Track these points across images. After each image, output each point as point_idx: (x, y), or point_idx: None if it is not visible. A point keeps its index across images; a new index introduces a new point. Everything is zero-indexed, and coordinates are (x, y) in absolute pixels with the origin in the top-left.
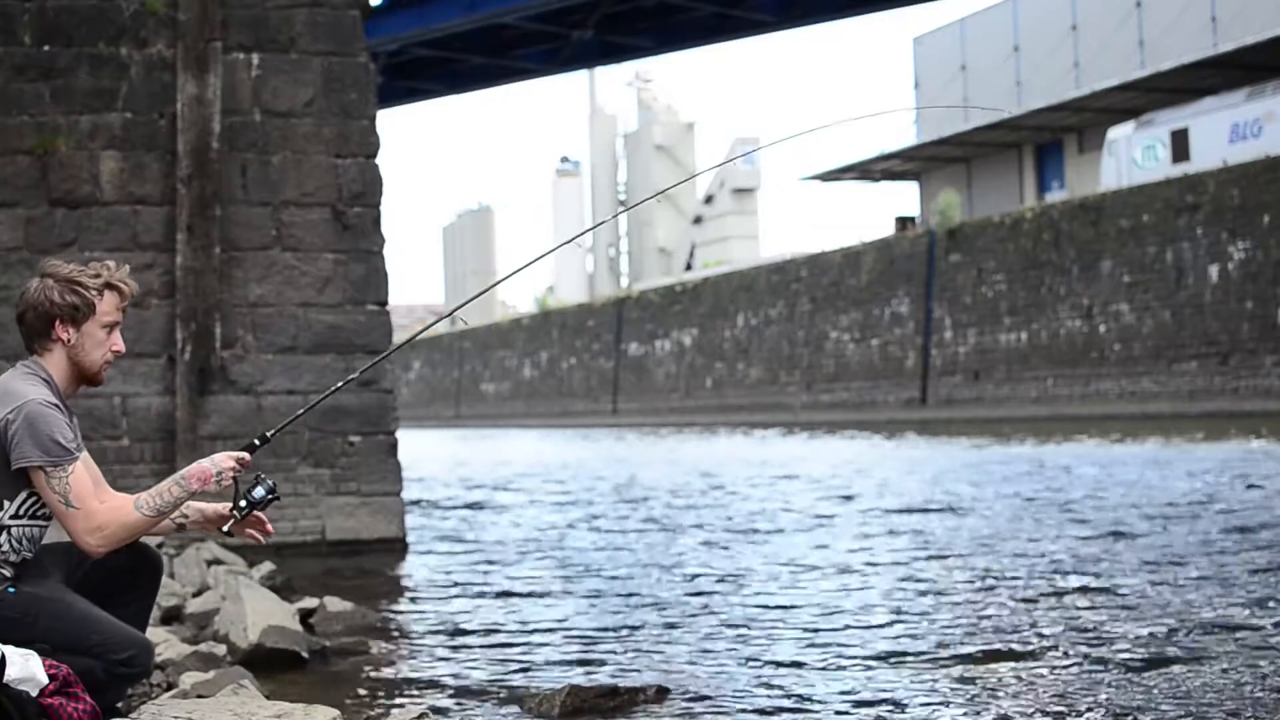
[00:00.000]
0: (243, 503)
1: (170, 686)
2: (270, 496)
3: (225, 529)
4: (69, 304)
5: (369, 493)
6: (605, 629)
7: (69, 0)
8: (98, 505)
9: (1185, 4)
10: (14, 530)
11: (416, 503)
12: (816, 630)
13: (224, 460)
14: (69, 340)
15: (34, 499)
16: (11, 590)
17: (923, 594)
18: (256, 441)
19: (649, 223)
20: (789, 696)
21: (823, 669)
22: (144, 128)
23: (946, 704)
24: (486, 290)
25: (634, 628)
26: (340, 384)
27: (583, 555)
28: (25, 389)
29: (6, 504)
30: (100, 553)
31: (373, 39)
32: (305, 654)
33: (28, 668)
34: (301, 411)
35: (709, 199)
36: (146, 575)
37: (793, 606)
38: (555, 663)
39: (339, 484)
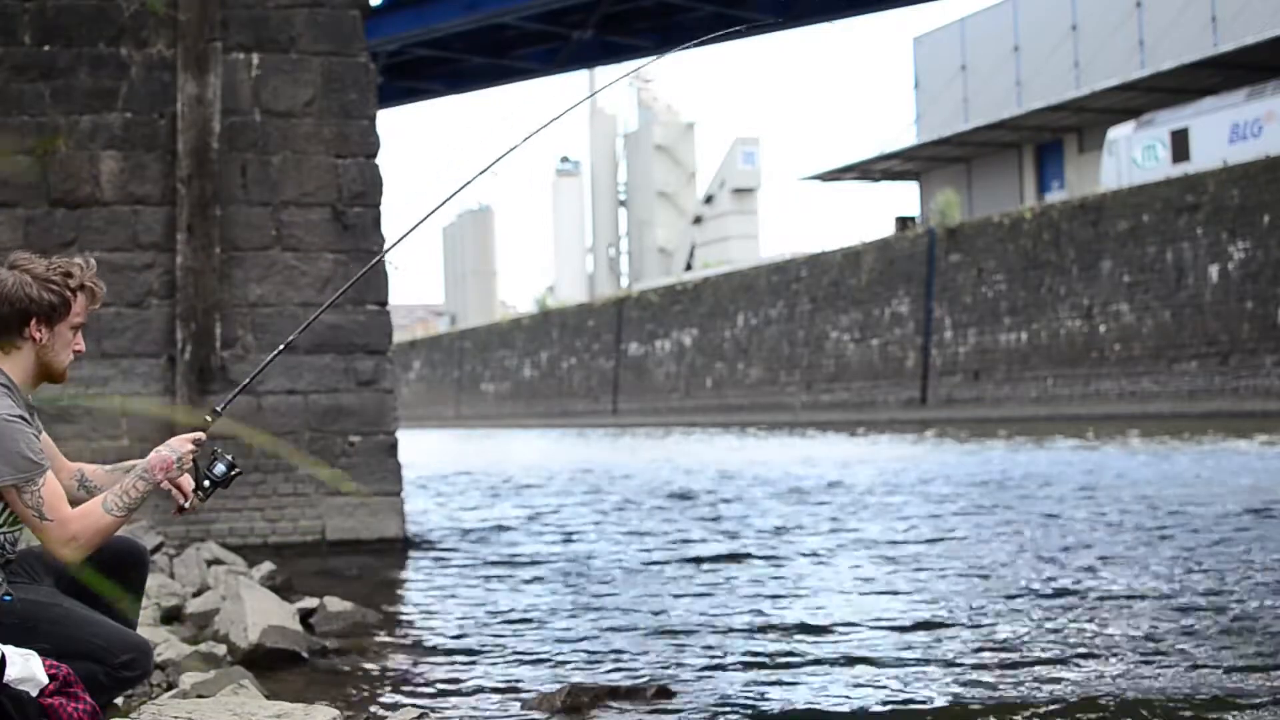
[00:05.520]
0: (205, 483)
1: (170, 686)
2: (232, 473)
3: (186, 506)
4: (48, 302)
5: (369, 493)
6: (606, 628)
7: (69, 0)
8: (70, 513)
9: (1185, 4)
10: None
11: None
12: (820, 634)
13: (181, 445)
14: (41, 340)
15: (5, 508)
16: (9, 598)
17: (937, 602)
18: (208, 418)
19: (649, 223)
20: (789, 699)
21: (824, 672)
22: (144, 128)
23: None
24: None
25: (635, 627)
26: (276, 351)
27: (584, 555)
28: None
29: None
30: (76, 561)
31: (373, 39)
32: (305, 654)
33: (28, 668)
34: (254, 374)
35: (709, 199)
36: (134, 570)
37: (797, 610)
38: (556, 661)
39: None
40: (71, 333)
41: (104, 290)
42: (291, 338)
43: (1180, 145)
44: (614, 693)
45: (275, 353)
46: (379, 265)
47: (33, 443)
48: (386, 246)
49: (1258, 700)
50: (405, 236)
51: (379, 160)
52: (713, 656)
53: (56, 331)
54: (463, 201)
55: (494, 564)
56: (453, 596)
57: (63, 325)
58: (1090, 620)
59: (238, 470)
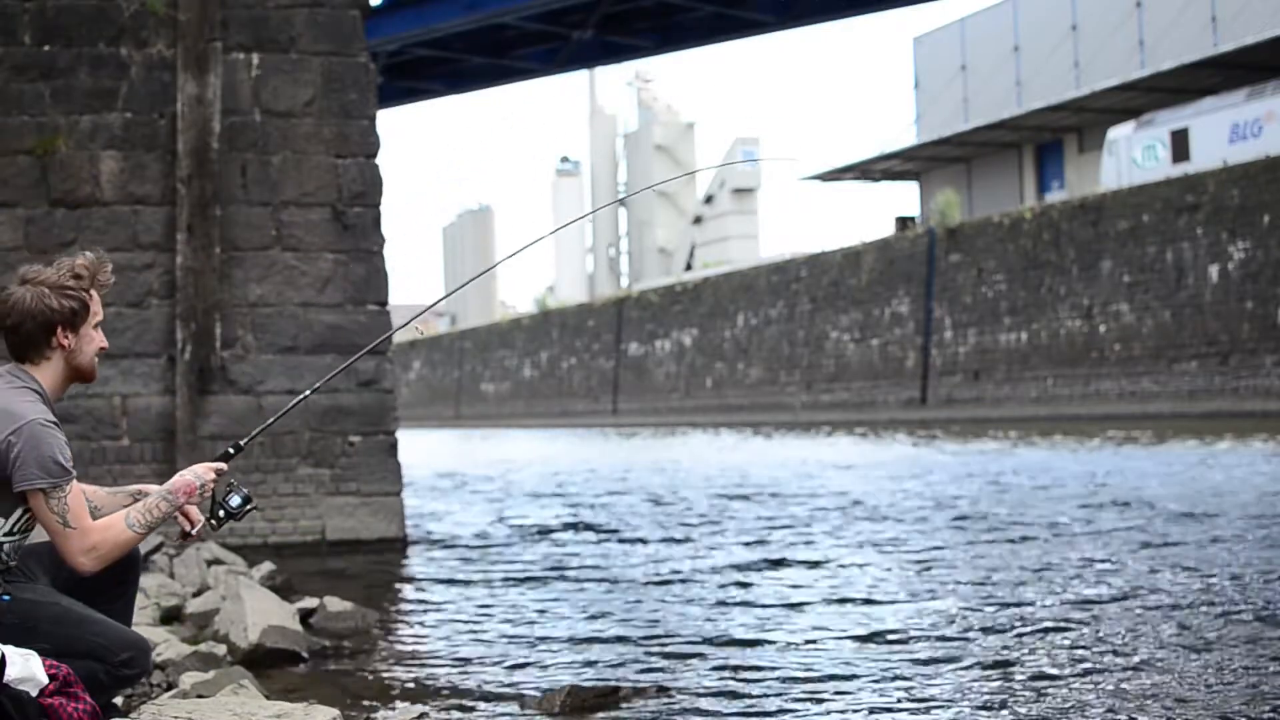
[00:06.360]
0: (220, 513)
1: (170, 686)
2: (247, 506)
3: (194, 532)
4: (68, 309)
5: (369, 493)
6: (606, 629)
7: (69, 0)
8: (91, 524)
9: (1185, 4)
10: (6, 545)
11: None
12: (821, 640)
13: (205, 472)
14: (69, 345)
15: (28, 515)
16: (7, 598)
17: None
18: (230, 450)
19: (649, 223)
20: (789, 699)
21: (825, 677)
22: (144, 128)
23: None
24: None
25: (635, 630)
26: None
27: (583, 557)
28: (24, 407)
29: (2, 521)
30: (92, 571)
31: (373, 39)
32: (305, 654)
33: (28, 668)
34: (271, 420)
35: (709, 199)
36: (129, 568)
37: (798, 616)
38: (556, 662)
39: (339, 484)
40: (94, 330)
41: (111, 280)
42: (317, 384)
43: (1180, 145)
44: (614, 693)
45: (295, 401)
46: (382, 267)
47: (65, 449)
48: (416, 315)
49: None
50: (431, 307)
51: (379, 160)
52: (713, 660)
53: (82, 334)
54: (463, 201)
55: (494, 565)
56: (452, 597)
57: (86, 326)
58: (1095, 630)
59: (253, 505)
